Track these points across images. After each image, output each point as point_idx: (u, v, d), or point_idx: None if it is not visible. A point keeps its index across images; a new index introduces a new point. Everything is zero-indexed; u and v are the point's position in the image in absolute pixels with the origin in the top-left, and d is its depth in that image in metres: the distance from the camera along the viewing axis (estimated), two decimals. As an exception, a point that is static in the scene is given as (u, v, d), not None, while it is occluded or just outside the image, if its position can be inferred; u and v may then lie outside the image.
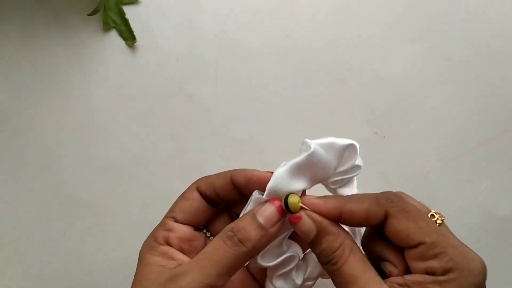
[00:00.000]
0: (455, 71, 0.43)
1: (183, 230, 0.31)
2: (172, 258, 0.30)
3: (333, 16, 0.44)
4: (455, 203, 0.43)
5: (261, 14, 0.44)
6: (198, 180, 0.32)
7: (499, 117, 0.43)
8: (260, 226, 0.28)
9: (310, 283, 0.32)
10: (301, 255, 0.31)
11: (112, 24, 0.44)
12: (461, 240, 0.28)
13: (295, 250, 0.31)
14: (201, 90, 0.43)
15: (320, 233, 0.27)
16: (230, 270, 0.28)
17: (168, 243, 0.30)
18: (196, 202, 0.31)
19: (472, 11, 0.44)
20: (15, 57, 0.44)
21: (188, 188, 0.32)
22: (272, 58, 0.43)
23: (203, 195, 0.31)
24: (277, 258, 0.30)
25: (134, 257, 0.43)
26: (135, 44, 0.44)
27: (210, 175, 0.32)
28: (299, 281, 0.31)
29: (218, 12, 0.44)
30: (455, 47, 0.43)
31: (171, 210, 0.32)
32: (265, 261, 0.30)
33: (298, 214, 0.28)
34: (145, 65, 0.44)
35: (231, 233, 0.28)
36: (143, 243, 0.31)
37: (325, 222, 0.28)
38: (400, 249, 0.27)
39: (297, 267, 0.31)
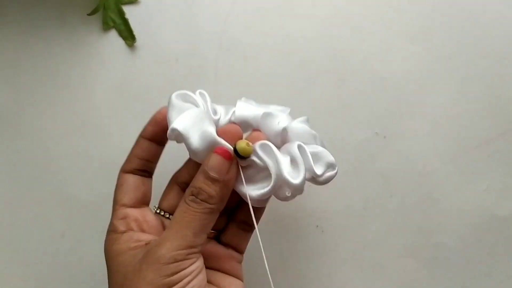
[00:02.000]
0: (455, 71, 0.43)
1: (136, 212, 0.31)
2: (138, 240, 0.29)
3: (333, 16, 0.44)
4: (455, 203, 0.43)
5: (261, 13, 0.44)
6: (122, 166, 0.33)
7: (500, 117, 0.43)
8: (215, 179, 0.28)
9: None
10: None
11: (112, 24, 0.44)
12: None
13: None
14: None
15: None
16: (204, 228, 0.28)
17: (129, 229, 0.30)
18: (129, 180, 0.32)
19: (472, 11, 0.44)
20: (15, 57, 0.44)
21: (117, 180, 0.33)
22: (272, 58, 0.43)
23: (134, 172, 0.32)
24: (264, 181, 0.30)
25: (134, 257, 0.43)
26: (135, 44, 0.43)
27: (131, 151, 0.33)
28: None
29: (218, 11, 0.44)
30: (455, 47, 0.43)
31: (116, 202, 0.32)
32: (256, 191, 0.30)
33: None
34: (145, 65, 0.44)
35: (193, 196, 0.28)
36: (105, 242, 0.30)
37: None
38: None
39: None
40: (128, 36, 0.43)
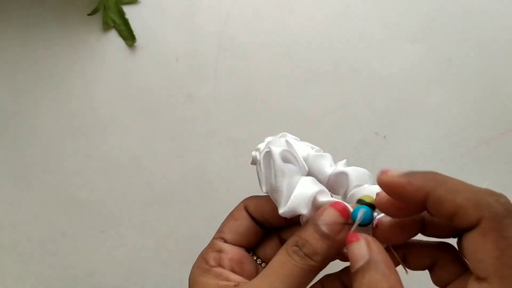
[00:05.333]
0: (455, 71, 0.43)
1: (234, 251, 0.29)
2: (227, 279, 0.28)
3: (333, 16, 0.44)
4: (455, 203, 0.43)
5: (261, 13, 0.44)
6: (247, 199, 0.31)
7: (500, 117, 0.43)
8: (325, 236, 0.25)
9: None
10: None
11: (112, 24, 0.44)
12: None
13: None
14: (201, 90, 0.43)
15: (369, 265, 0.23)
16: (300, 285, 0.26)
17: (219, 264, 0.29)
18: (245, 221, 0.30)
19: (473, 11, 0.44)
20: (15, 57, 0.44)
21: (236, 207, 0.31)
22: (272, 58, 0.43)
23: (251, 216, 0.30)
24: None
25: (134, 257, 0.43)
26: (135, 44, 0.44)
27: (260, 196, 0.30)
28: None
29: (218, 11, 0.44)
30: (455, 47, 0.43)
31: (220, 230, 0.30)
32: None
33: (355, 234, 0.24)
34: (145, 65, 0.44)
35: (297, 248, 0.26)
36: (193, 267, 0.29)
37: (381, 257, 0.23)
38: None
39: None
40: (128, 36, 0.43)
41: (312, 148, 0.33)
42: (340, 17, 0.44)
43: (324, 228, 0.25)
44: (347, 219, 0.25)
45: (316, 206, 0.27)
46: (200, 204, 0.43)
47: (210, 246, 0.30)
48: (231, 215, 0.30)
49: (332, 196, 0.28)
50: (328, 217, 0.25)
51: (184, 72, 0.44)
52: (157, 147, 0.43)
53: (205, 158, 0.43)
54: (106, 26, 0.44)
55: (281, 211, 0.26)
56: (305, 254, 0.25)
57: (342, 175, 0.31)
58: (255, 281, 0.26)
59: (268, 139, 0.32)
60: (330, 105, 0.43)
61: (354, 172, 0.31)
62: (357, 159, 0.43)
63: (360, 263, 0.23)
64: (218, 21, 0.44)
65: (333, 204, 0.26)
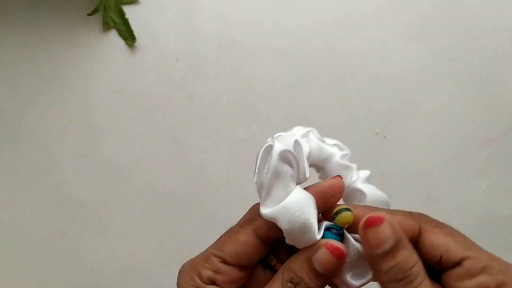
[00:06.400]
0: (456, 71, 0.43)
1: (232, 273, 0.27)
2: None
3: (333, 16, 0.44)
4: (455, 203, 0.43)
5: (261, 14, 0.44)
6: (256, 221, 0.27)
7: (500, 117, 0.43)
8: (320, 275, 0.25)
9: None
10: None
11: (112, 24, 0.44)
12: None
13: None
14: (201, 90, 0.43)
15: (398, 245, 0.24)
16: None
17: (213, 283, 0.27)
18: (251, 249, 0.27)
19: (473, 11, 0.44)
20: (15, 57, 0.44)
21: (242, 228, 0.27)
22: (272, 58, 0.43)
23: (264, 240, 0.27)
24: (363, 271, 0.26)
25: (133, 257, 0.43)
26: (135, 44, 0.43)
27: None
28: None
29: (218, 12, 0.44)
30: (456, 47, 0.43)
31: (220, 248, 0.27)
32: (357, 279, 0.26)
33: (379, 216, 0.24)
34: (145, 65, 0.44)
35: (292, 285, 0.25)
36: (184, 276, 0.27)
37: (404, 234, 0.24)
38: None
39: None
40: (128, 36, 0.43)
41: (341, 149, 0.32)
42: (340, 17, 0.44)
43: (318, 268, 0.25)
44: (342, 259, 0.25)
45: (309, 239, 0.25)
46: (200, 204, 0.43)
47: (207, 261, 0.27)
48: (236, 238, 0.27)
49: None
50: (323, 258, 0.25)
51: (184, 72, 0.44)
52: (157, 147, 0.43)
53: (205, 158, 0.43)
54: (106, 26, 0.44)
55: (262, 211, 0.25)
56: None
57: (359, 193, 0.30)
58: None
59: (296, 129, 0.30)
60: (330, 105, 0.43)
61: (371, 195, 0.30)
62: (357, 159, 0.43)
63: (388, 245, 0.24)
64: (218, 21, 0.44)
65: (329, 248, 0.25)
